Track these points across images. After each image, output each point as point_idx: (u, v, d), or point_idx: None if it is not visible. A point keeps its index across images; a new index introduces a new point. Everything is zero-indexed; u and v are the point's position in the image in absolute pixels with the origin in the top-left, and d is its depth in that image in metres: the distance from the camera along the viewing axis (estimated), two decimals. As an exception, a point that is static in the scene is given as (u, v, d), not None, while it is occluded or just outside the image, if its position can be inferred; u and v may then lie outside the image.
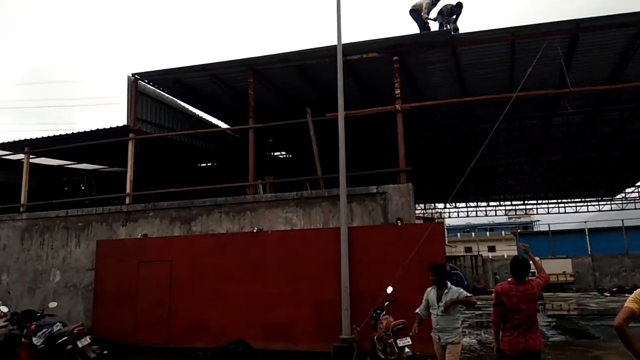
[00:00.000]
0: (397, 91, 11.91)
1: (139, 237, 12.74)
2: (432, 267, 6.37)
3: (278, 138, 19.94)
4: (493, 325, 5.46)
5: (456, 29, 12.07)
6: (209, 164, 22.35)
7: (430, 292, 6.36)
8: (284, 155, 23.25)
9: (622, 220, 37.07)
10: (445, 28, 12.28)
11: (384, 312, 8.90)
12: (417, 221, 14.42)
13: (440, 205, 38.14)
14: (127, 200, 13.78)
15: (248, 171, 13.09)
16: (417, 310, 6.58)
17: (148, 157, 17.00)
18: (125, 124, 14.00)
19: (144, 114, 14.79)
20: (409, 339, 7.62)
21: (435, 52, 12.72)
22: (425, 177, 25.61)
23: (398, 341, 7.83)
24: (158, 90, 15.31)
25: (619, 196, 35.61)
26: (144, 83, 14.63)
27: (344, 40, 11.42)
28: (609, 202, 36.51)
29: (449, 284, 6.25)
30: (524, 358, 5.06)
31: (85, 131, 14.34)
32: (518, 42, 12.10)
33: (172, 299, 11.80)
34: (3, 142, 15.37)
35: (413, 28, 12.75)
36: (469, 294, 6.29)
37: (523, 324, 5.08)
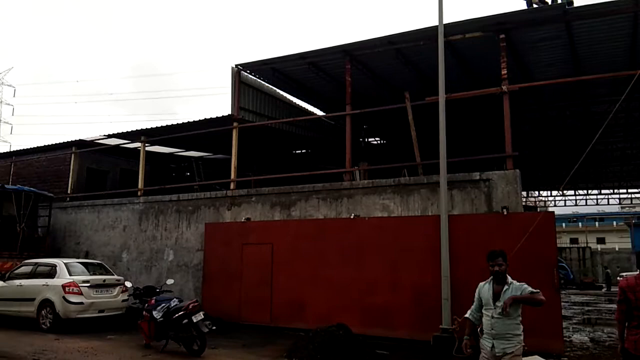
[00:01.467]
0: (504, 71, 11.24)
1: (242, 220, 13.42)
2: (496, 254, 5.04)
3: (372, 124, 19.79)
4: (617, 323, 5.06)
5: (570, 2, 11.09)
6: (304, 151, 22.80)
7: (484, 288, 5.15)
8: (378, 141, 23.06)
9: None
10: (558, 1, 11.35)
11: (488, 304, 8.53)
12: (522, 209, 13.61)
13: (545, 193, 35.72)
14: (232, 185, 14.53)
15: (341, 157, 13.17)
16: (466, 314, 5.37)
17: (248, 144, 17.72)
18: (230, 113, 14.69)
19: (246, 103, 15.40)
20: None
21: (547, 28, 11.79)
22: (530, 162, 24.12)
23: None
24: (259, 80, 15.85)
25: None
26: (245, 73, 15.21)
27: (444, 20, 10.99)
28: None
29: (509, 278, 5.03)
30: (653, 359, 4.64)
31: (194, 121, 15.29)
32: (643, 12, 10.87)
33: (274, 281, 12.30)
34: (123, 132, 16.93)
35: (519, 3, 11.94)
36: (535, 290, 4.95)
37: (652, 322, 4.65)
